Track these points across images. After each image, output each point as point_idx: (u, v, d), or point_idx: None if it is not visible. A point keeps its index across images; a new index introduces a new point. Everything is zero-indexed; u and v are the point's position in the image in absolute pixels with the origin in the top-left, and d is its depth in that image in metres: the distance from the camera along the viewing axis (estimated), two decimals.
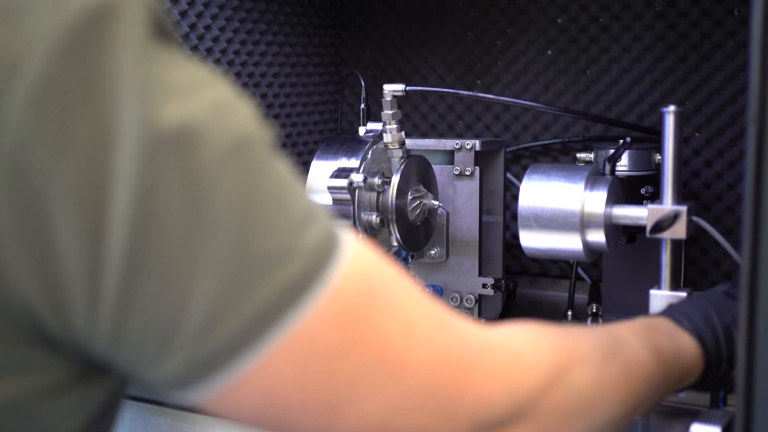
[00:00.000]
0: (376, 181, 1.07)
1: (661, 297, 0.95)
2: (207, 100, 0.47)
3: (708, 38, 1.30)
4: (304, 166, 1.49)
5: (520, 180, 1.40)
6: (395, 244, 1.11)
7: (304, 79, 1.52)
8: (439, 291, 1.21)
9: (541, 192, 1.02)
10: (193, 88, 0.47)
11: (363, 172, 1.06)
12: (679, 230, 0.94)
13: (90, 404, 0.51)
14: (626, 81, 1.36)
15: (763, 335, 0.56)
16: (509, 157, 1.43)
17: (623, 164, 1.17)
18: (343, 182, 1.04)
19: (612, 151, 1.18)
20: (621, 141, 1.09)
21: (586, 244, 1.01)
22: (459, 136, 1.48)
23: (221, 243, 0.46)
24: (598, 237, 1.01)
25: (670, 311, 0.79)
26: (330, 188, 1.05)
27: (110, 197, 0.43)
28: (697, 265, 1.33)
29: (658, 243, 1.25)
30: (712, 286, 1.30)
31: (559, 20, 1.41)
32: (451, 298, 1.22)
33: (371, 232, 1.08)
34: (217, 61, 1.31)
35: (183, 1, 1.24)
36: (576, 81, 1.40)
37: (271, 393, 0.48)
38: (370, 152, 1.09)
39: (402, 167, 1.09)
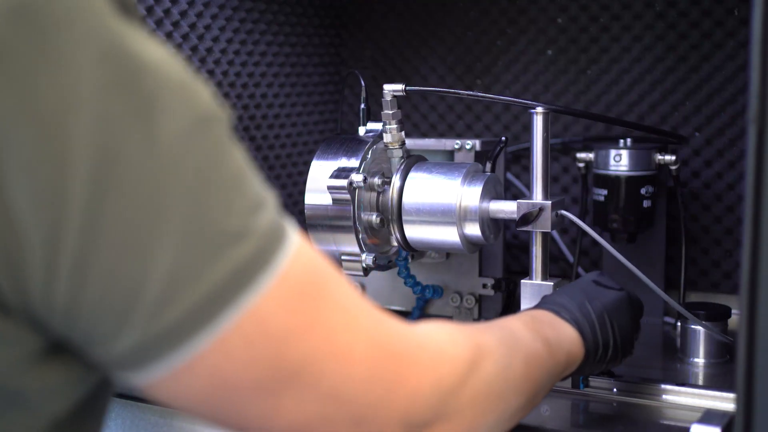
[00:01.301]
0: (376, 181, 1.07)
1: (531, 286, 1.02)
2: (171, 74, 0.47)
3: (708, 38, 1.30)
4: (305, 166, 1.49)
5: (520, 180, 1.41)
6: (395, 244, 1.11)
7: (304, 79, 1.52)
8: (439, 291, 1.21)
9: (423, 188, 1.07)
10: (156, 62, 0.47)
11: (363, 172, 1.06)
12: (544, 223, 1.00)
13: (74, 385, 0.51)
14: (626, 81, 1.36)
15: (763, 335, 0.56)
16: (509, 158, 1.43)
17: (623, 164, 1.17)
18: (343, 182, 1.04)
19: (612, 151, 1.18)
20: (499, 140, 1.12)
21: (463, 236, 1.06)
22: (459, 136, 1.48)
23: (180, 216, 0.46)
24: (474, 230, 1.05)
25: (548, 302, 0.83)
26: (330, 188, 1.05)
27: (70, 162, 0.43)
28: (697, 265, 1.32)
29: (657, 243, 1.26)
30: (712, 286, 1.31)
31: (559, 20, 1.41)
32: (451, 298, 1.22)
33: (371, 232, 1.08)
34: (217, 62, 1.31)
35: (183, 1, 1.24)
36: (576, 81, 1.40)
37: (221, 374, 0.49)
38: (370, 152, 1.09)
39: (402, 167, 1.09)
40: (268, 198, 0.52)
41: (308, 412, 0.52)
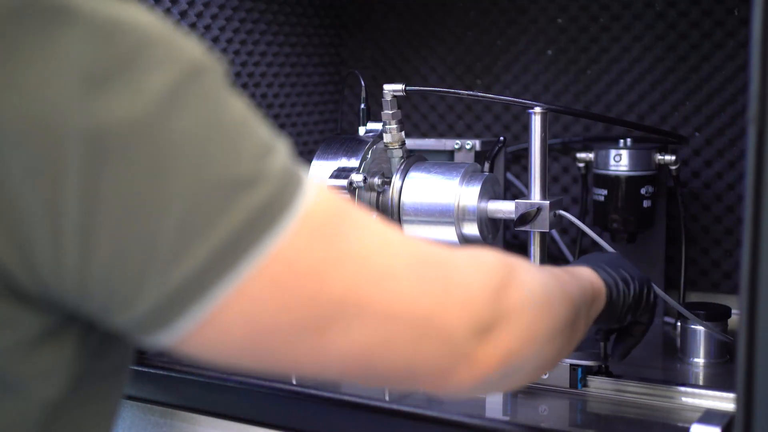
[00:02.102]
0: (376, 181, 1.07)
1: None
2: (149, 30, 0.47)
3: (708, 38, 1.30)
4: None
5: (520, 180, 1.41)
6: None
7: (304, 79, 1.52)
8: None
9: (421, 187, 1.07)
10: (132, 20, 0.46)
11: (363, 172, 1.06)
12: (542, 223, 1.00)
13: (67, 367, 0.50)
14: (626, 81, 1.36)
15: (763, 335, 0.56)
16: (509, 158, 1.43)
17: (624, 164, 1.17)
18: (343, 182, 1.04)
19: (612, 151, 1.18)
20: (498, 140, 1.12)
21: (462, 236, 1.06)
22: (459, 136, 1.48)
23: (183, 167, 0.45)
24: (472, 230, 1.05)
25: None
26: (330, 188, 1.05)
27: (62, 129, 0.43)
28: (697, 265, 1.32)
29: (657, 243, 1.26)
30: (712, 286, 1.31)
31: (559, 20, 1.41)
32: None
33: None
34: None
35: (183, 1, 1.24)
36: (576, 81, 1.40)
37: (255, 320, 0.48)
38: (370, 152, 1.09)
39: (402, 167, 1.09)
40: (278, 144, 0.51)
41: (362, 340, 0.51)
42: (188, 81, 0.47)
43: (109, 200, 0.44)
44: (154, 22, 0.47)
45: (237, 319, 0.48)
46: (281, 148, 0.51)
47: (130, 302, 0.47)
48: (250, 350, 0.50)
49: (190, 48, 0.48)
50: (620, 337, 0.93)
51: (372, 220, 0.54)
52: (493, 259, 0.61)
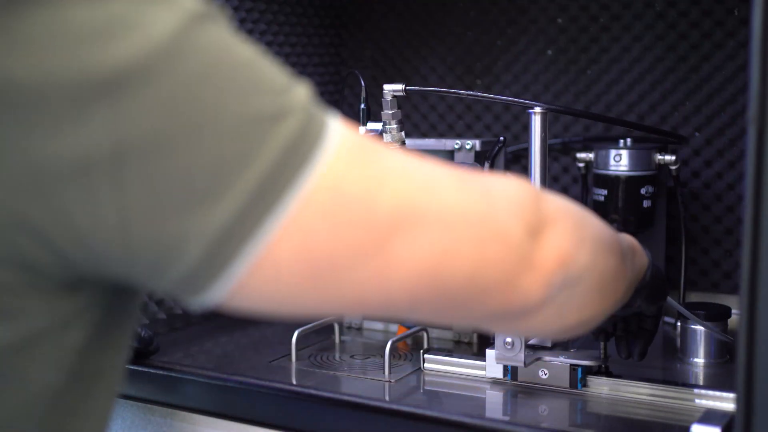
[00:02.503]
0: None
1: None
2: None
3: (708, 38, 1.30)
4: None
5: None
6: None
7: (304, 79, 1.51)
8: None
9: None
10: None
11: None
12: None
13: (68, 358, 0.50)
14: (626, 81, 1.36)
15: (763, 335, 0.56)
16: (509, 158, 1.43)
17: (624, 164, 1.17)
18: None
19: (612, 151, 1.18)
20: (498, 140, 1.11)
21: None
22: (459, 136, 1.48)
23: (203, 108, 0.45)
24: None
25: None
26: None
27: (80, 79, 0.43)
28: (697, 265, 1.32)
29: (657, 243, 1.26)
30: (712, 286, 1.31)
31: (559, 20, 1.41)
32: None
33: None
34: None
35: None
36: (576, 81, 1.40)
37: (310, 252, 0.48)
38: None
39: None
40: (298, 83, 0.51)
41: (424, 252, 0.51)
42: (195, 24, 0.46)
43: (135, 144, 0.44)
44: None
45: (292, 255, 0.47)
46: (301, 86, 0.51)
47: (178, 254, 0.46)
48: (309, 288, 0.49)
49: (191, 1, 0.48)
50: (634, 335, 0.92)
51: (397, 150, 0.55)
52: (514, 179, 0.61)
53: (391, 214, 0.49)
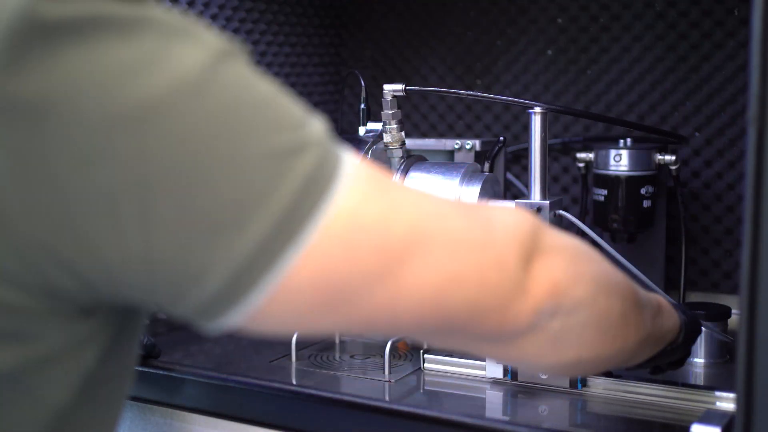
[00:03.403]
0: None
1: None
2: (171, 22, 0.48)
3: (708, 38, 1.30)
4: None
5: (520, 180, 1.41)
6: None
7: (304, 79, 1.51)
8: None
9: (421, 187, 1.07)
10: (152, 16, 0.48)
11: None
12: None
13: (77, 373, 0.51)
14: (626, 81, 1.36)
15: (763, 335, 0.56)
16: (509, 158, 1.43)
17: (624, 164, 1.17)
18: None
19: (612, 151, 1.18)
20: (498, 140, 1.12)
21: None
22: (459, 136, 1.48)
23: (225, 143, 0.47)
24: None
25: None
26: None
27: (99, 120, 0.44)
28: (697, 265, 1.32)
29: (657, 243, 1.26)
30: (712, 286, 1.31)
31: (559, 20, 1.41)
32: None
33: None
34: None
35: (183, 1, 1.24)
36: (576, 81, 1.40)
37: (328, 279, 0.50)
38: (370, 152, 1.09)
39: (402, 167, 1.09)
40: (313, 117, 0.53)
41: (432, 279, 0.53)
42: (220, 61, 0.48)
43: (161, 177, 0.45)
44: (174, 17, 0.49)
45: (309, 282, 0.49)
46: (316, 120, 0.53)
47: (199, 283, 0.47)
48: (324, 312, 0.51)
49: (214, 36, 0.50)
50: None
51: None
52: (516, 210, 0.64)
53: (404, 239, 0.52)
